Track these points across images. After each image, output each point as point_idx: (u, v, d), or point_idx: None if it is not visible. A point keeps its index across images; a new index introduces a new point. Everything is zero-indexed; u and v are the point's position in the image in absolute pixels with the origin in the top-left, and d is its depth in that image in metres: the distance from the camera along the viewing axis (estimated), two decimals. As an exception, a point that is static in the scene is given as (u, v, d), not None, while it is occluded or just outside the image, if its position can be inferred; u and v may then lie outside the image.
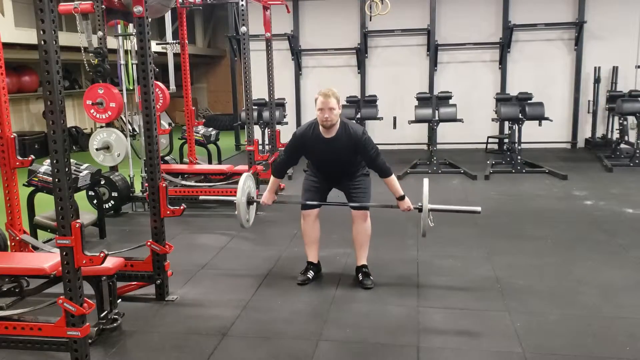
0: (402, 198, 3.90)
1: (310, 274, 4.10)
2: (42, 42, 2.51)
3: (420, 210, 3.79)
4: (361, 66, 10.57)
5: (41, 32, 2.50)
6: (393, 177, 3.88)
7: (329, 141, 3.79)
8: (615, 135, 9.31)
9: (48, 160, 3.73)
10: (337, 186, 4.08)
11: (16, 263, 3.40)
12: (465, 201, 6.48)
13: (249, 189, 4.09)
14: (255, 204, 4.21)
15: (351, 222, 4.06)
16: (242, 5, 6.05)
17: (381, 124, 9.49)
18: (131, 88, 6.11)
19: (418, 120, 8.31)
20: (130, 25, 5.92)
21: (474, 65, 10.43)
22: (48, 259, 3.24)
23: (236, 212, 3.96)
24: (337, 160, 3.90)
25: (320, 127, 3.79)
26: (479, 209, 3.92)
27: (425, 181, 3.87)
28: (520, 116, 8.09)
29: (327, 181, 4.05)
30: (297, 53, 10.67)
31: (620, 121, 8.75)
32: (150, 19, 3.68)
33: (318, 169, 4.05)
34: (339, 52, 10.65)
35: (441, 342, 3.19)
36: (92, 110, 5.89)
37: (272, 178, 4.14)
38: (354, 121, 7.20)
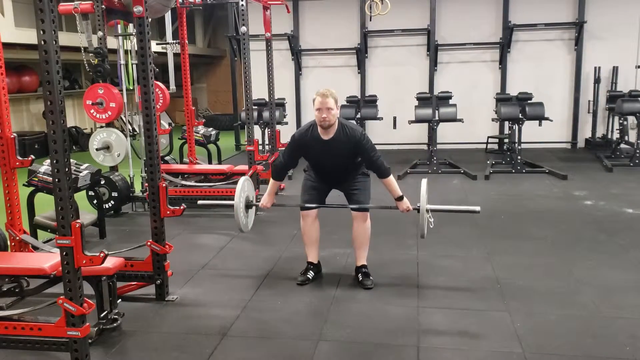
0: (400, 199, 3.91)
1: (310, 274, 4.10)
2: (42, 42, 2.50)
3: (419, 211, 3.79)
4: (361, 66, 10.57)
5: (41, 32, 2.50)
6: (391, 178, 3.88)
7: (328, 143, 3.79)
8: (615, 135, 9.31)
9: (48, 160, 3.73)
10: (337, 187, 4.08)
11: (16, 263, 3.40)
12: (465, 201, 6.48)
13: (247, 193, 4.09)
14: (254, 207, 4.21)
15: (351, 222, 4.06)
16: (242, 5, 6.05)
17: (381, 124, 9.50)
18: (131, 88, 6.11)
19: (418, 120, 8.31)
20: (130, 25, 5.92)
21: (474, 65, 10.43)
22: (48, 259, 3.24)
23: (235, 217, 3.95)
24: (336, 162, 3.89)
25: (319, 128, 3.79)
26: (478, 208, 3.92)
27: (424, 182, 3.87)
28: (520, 116, 8.09)
29: (327, 182, 4.05)
30: (297, 53, 10.67)
31: (620, 121, 8.75)
32: (150, 19, 3.68)
33: (317, 171, 4.05)
34: (339, 52, 10.65)
35: (441, 342, 3.19)
36: (92, 110, 5.89)
37: (271, 181, 4.13)
38: (354, 121, 7.22)
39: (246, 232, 4.11)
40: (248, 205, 4.09)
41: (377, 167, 3.84)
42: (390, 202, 3.99)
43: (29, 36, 8.47)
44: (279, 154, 4.34)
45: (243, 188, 4.00)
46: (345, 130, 3.78)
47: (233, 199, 3.95)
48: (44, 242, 4.62)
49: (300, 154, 3.98)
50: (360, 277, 4.02)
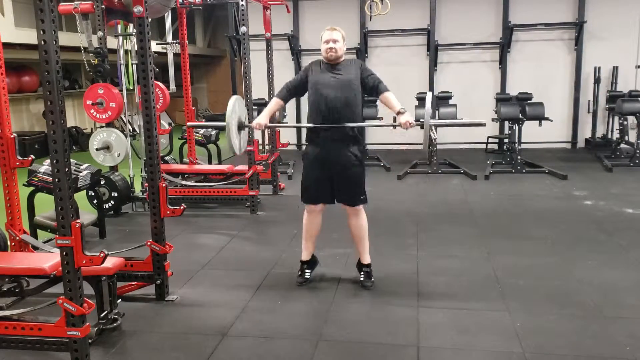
0: (401, 112, 3.85)
1: (307, 274, 4.08)
2: (42, 42, 2.51)
3: (422, 126, 3.74)
4: (361, 66, 10.56)
5: (41, 32, 2.50)
6: (390, 93, 3.90)
7: (333, 67, 3.87)
8: (615, 135, 9.31)
9: (48, 160, 3.73)
10: (333, 161, 3.84)
11: (16, 263, 3.40)
12: (465, 201, 6.48)
13: (239, 113, 3.99)
14: (247, 128, 4.12)
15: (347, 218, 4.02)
16: (242, 5, 6.06)
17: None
18: (131, 88, 6.11)
19: (418, 120, 8.29)
20: (130, 25, 5.92)
21: (474, 65, 10.43)
22: (48, 259, 3.24)
23: (226, 137, 3.87)
24: (339, 88, 3.78)
25: (326, 64, 3.87)
26: (484, 122, 3.86)
27: (428, 95, 3.86)
28: (520, 116, 8.08)
29: (324, 141, 3.82)
30: (297, 53, 10.67)
31: (620, 121, 8.75)
32: (150, 19, 3.68)
33: (318, 105, 3.82)
34: (339, 52, 10.63)
35: (441, 342, 3.19)
36: (92, 110, 5.89)
37: (274, 99, 4.08)
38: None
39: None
40: (240, 127, 4.00)
41: (377, 83, 3.90)
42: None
43: (29, 36, 8.47)
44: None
45: (234, 108, 3.92)
46: (348, 59, 3.94)
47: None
48: (44, 242, 4.62)
49: (306, 78, 3.93)
50: (362, 276, 4.01)
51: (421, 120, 3.72)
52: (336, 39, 3.80)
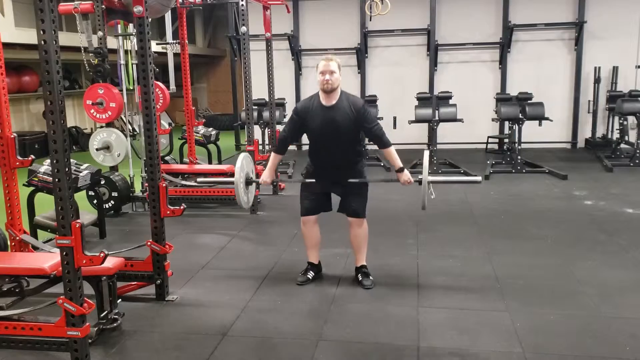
0: (401, 170, 3.87)
1: (310, 275, 4.10)
2: (42, 42, 2.51)
3: (420, 182, 3.77)
4: (361, 66, 10.58)
5: (41, 32, 2.50)
6: (392, 149, 3.88)
7: (330, 109, 3.76)
8: (616, 135, 9.31)
9: (48, 160, 3.73)
10: (336, 181, 3.93)
11: (16, 263, 3.40)
12: (465, 201, 6.48)
13: (247, 169, 4.04)
14: (254, 183, 4.16)
15: (348, 227, 4.06)
16: (242, 5, 6.05)
17: (381, 123, 9.45)
18: (131, 88, 6.11)
19: (418, 120, 8.31)
20: (130, 25, 5.92)
21: (474, 65, 10.44)
22: (48, 259, 3.24)
23: (235, 194, 3.92)
24: (337, 133, 3.78)
25: (321, 95, 3.78)
26: (479, 178, 3.92)
27: (426, 153, 3.86)
28: (520, 116, 8.09)
29: (326, 171, 3.91)
30: (297, 53, 10.67)
31: (621, 121, 8.75)
32: (150, 19, 3.68)
33: (317, 150, 3.91)
34: (338, 52, 10.63)
35: (441, 342, 3.19)
36: (92, 110, 5.89)
37: (272, 154, 4.09)
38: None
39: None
40: (248, 182, 4.05)
41: (379, 137, 3.84)
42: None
43: (29, 36, 8.46)
44: (281, 130, 4.28)
45: (242, 165, 3.96)
46: (348, 98, 3.81)
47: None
48: (44, 242, 4.62)
49: (301, 125, 3.88)
50: (360, 277, 4.02)
51: (419, 177, 3.79)
52: (333, 70, 3.70)
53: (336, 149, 3.85)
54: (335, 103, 3.76)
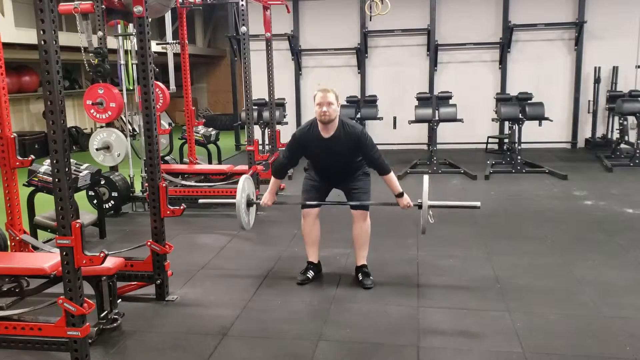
0: (400, 195, 3.92)
1: (310, 274, 4.10)
2: (42, 42, 2.51)
3: (420, 207, 3.79)
4: (361, 66, 10.57)
5: (41, 32, 2.50)
6: (392, 175, 3.89)
7: (328, 140, 3.79)
8: (615, 135, 9.31)
9: (48, 160, 3.73)
10: (338, 186, 4.08)
11: (16, 263, 3.40)
12: (465, 201, 6.46)
13: (248, 191, 4.10)
14: (255, 205, 4.21)
15: (351, 222, 4.06)
16: (242, 5, 6.05)
17: (381, 124, 9.49)
18: (131, 88, 6.11)
19: (418, 120, 8.31)
20: (130, 25, 5.92)
21: (474, 65, 10.43)
22: (48, 259, 3.24)
23: (236, 215, 3.97)
24: (337, 161, 3.90)
25: (319, 125, 3.79)
26: (478, 203, 3.94)
27: (425, 178, 3.89)
28: (520, 116, 8.09)
29: (327, 181, 4.05)
30: (297, 53, 10.67)
31: (620, 121, 8.75)
32: (150, 19, 3.68)
33: (318, 170, 4.05)
34: (339, 52, 10.65)
35: (441, 342, 3.19)
36: (92, 110, 5.89)
37: (272, 179, 4.15)
38: (354, 120, 7.22)
39: (247, 231, 4.12)
40: (249, 204, 4.11)
41: (378, 165, 3.85)
42: (392, 199, 3.99)
43: (29, 36, 8.47)
44: (280, 154, 4.34)
45: (244, 187, 4.01)
46: (345, 128, 3.79)
47: (233, 198, 3.96)
48: (44, 242, 4.62)
49: (301, 152, 3.97)
50: (360, 276, 4.02)
51: (419, 201, 3.82)
52: (330, 101, 3.69)
53: (336, 170, 3.98)
54: (334, 134, 3.79)
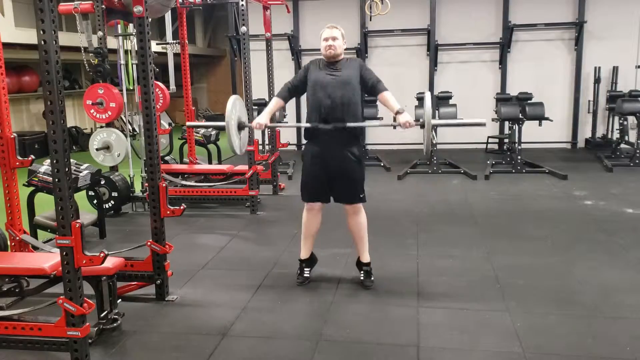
0: (400, 112, 3.85)
1: (307, 273, 4.08)
2: (42, 42, 2.51)
3: (422, 126, 3.72)
4: (361, 66, 10.55)
5: (41, 32, 2.50)
6: (388, 93, 3.89)
7: (333, 64, 3.88)
8: (616, 135, 9.31)
9: (48, 160, 3.73)
10: (332, 154, 3.83)
11: (16, 263, 3.40)
12: (465, 201, 6.48)
13: (239, 113, 3.96)
14: (247, 128, 4.08)
15: (346, 217, 4.01)
16: (242, 5, 6.05)
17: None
18: (131, 88, 6.11)
19: (418, 120, 8.29)
20: (130, 25, 5.92)
21: (474, 65, 10.43)
22: (48, 259, 3.24)
23: (227, 137, 3.87)
24: (340, 81, 3.79)
25: (325, 61, 3.88)
26: (484, 121, 3.83)
27: (427, 95, 3.83)
28: (520, 116, 8.09)
29: (324, 134, 3.80)
30: (297, 53, 10.67)
31: (621, 121, 8.75)
32: (150, 19, 3.68)
33: (317, 103, 3.80)
34: (339, 52, 10.63)
35: (441, 342, 3.19)
36: (92, 110, 5.90)
37: (274, 98, 4.07)
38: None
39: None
40: (240, 126, 3.98)
41: (375, 82, 3.89)
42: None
43: (29, 36, 8.47)
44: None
45: (234, 106, 3.89)
46: (349, 59, 3.95)
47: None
48: (44, 242, 4.62)
49: (308, 74, 3.93)
50: (362, 275, 4.01)
51: (421, 120, 3.69)
52: (335, 36, 3.81)
53: (336, 103, 3.78)
54: (339, 62, 3.89)
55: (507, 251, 4.71)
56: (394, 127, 3.92)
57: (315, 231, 4.07)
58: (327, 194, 3.95)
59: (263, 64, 7.50)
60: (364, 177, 3.95)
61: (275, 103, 4.03)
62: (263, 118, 3.93)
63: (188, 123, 4.35)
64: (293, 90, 4.04)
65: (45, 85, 2.55)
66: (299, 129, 10.33)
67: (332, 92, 3.79)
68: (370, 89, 3.90)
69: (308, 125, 3.89)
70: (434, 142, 3.55)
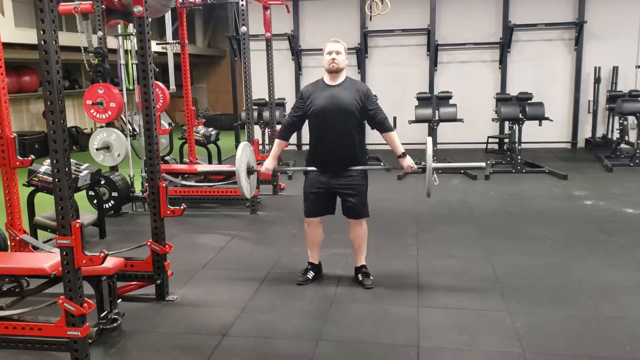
0: (403, 155, 3.88)
1: (310, 275, 4.10)
2: (42, 42, 2.51)
3: (423, 169, 3.76)
4: (361, 66, 10.57)
5: (41, 32, 2.50)
6: (394, 133, 3.89)
7: (334, 87, 3.85)
8: (616, 135, 9.31)
9: (48, 160, 3.73)
10: (337, 173, 3.86)
11: (16, 263, 3.40)
12: (465, 201, 6.48)
13: (248, 158, 4.01)
14: (255, 172, 4.13)
15: (347, 226, 4.05)
16: (242, 5, 6.05)
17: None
18: (131, 88, 6.11)
19: (418, 120, 8.31)
20: (130, 25, 5.92)
21: (474, 65, 10.43)
22: (48, 259, 3.24)
23: (237, 183, 3.90)
24: (341, 111, 3.76)
25: (326, 76, 3.89)
26: (483, 164, 3.91)
27: (429, 139, 3.84)
28: (520, 116, 8.09)
29: (327, 160, 3.85)
30: (297, 53, 10.67)
31: (621, 121, 8.75)
32: (150, 19, 3.68)
33: (319, 134, 3.83)
34: (339, 52, 10.63)
35: (441, 342, 3.19)
36: (92, 110, 5.90)
37: (276, 141, 4.07)
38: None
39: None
40: (250, 171, 4.03)
41: (382, 121, 3.87)
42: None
43: (29, 36, 8.47)
44: (284, 117, 4.23)
45: (244, 153, 3.93)
46: (352, 81, 3.94)
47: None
48: (44, 242, 4.62)
49: (307, 106, 3.87)
50: (360, 277, 4.02)
51: (423, 164, 3.78)
52: (339, 50, 3.85)
53: (339, 131, 3.79)
54: (341, 82, 3.87)
55: (507, 251, 4.71)
56: (388, 170, 3.91)
57: (318, 242, 4.11)
58: (328, 208, 3.99)
59: (263, 64, 7.50)
60: (367, 190, 3.98)
61: (278, 145, 4.08)
62: (270, 163, 4.01)
63: (199, 169, 4.29)
64: (293, 127, 4.06)
65: (45, 85, 2.55)
66: (299, 130, 10.35)
67: (334, 122, 3.78)
68: (377, 125, 3.92)
69: (312, 169, 3.93)
70: (435, 184, 3.63)
